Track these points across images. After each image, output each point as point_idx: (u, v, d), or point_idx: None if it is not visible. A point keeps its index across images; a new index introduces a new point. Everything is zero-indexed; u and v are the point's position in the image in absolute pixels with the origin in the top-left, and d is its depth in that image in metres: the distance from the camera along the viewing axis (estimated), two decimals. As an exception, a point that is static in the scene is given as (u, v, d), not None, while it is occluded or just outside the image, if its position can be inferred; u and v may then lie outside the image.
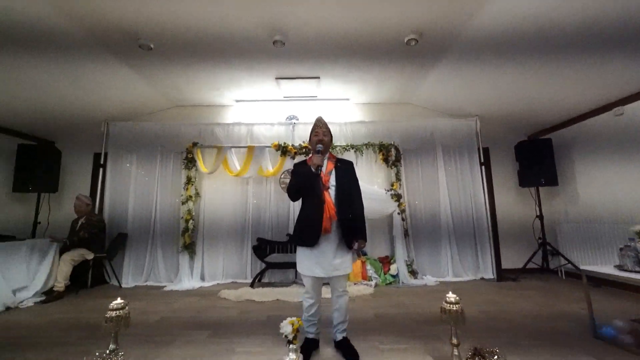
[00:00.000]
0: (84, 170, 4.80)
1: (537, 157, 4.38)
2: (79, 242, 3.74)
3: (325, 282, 2.02)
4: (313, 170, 1.91)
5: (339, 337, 2.01)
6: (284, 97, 4.67)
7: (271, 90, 4.45)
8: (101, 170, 4.54)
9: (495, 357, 1.71)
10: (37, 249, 3.68)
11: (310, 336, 2.04)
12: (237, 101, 4.79)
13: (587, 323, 2.27)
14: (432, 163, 4.68)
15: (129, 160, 4.58)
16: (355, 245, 1.92)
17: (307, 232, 1.92)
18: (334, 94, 4.60)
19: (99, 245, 3.99)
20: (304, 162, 2.06)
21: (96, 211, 4.40)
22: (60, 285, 3.51)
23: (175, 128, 4.64)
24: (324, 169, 1.99)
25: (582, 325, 2.40)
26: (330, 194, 1.95)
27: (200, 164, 4.50)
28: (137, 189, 4.53)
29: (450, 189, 4.63)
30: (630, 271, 2.08)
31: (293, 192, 2.00)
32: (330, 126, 2.18)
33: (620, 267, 2.19)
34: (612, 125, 3.78)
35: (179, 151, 4.61)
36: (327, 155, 2.06)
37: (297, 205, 4.35)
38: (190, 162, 4.50)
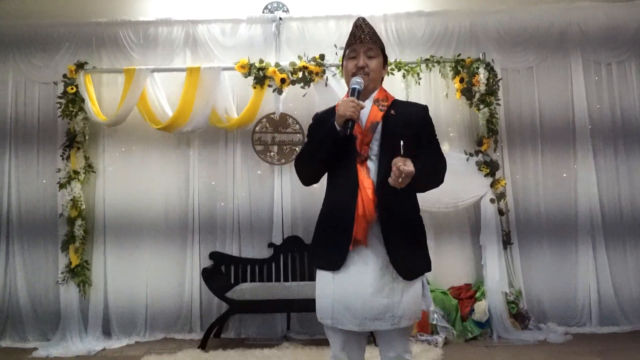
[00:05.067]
0: None
1: None
2: None
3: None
4: (338, 128, 1.66)
5: None
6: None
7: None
8: None
9: None
10: None
11: None
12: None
13: None
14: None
15: None
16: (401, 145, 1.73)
17: (327, 244, 1.81)
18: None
19: None
20: (332, 110, 1.87)
21: None
22: None
23: (39, 30, 4.03)
24: (362, 121, 1.76)
25: None
26: (371, 171, 1.72)
27: (92, 104, 3.91)
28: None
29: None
30: None
31: (304, 167, 1.90)
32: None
33: None
34: None
35: (48, 81, 4.03)
36: (375, 94, 1.82)
37: (284, 187, 4.16)
38: (72, 103, 3.89)
